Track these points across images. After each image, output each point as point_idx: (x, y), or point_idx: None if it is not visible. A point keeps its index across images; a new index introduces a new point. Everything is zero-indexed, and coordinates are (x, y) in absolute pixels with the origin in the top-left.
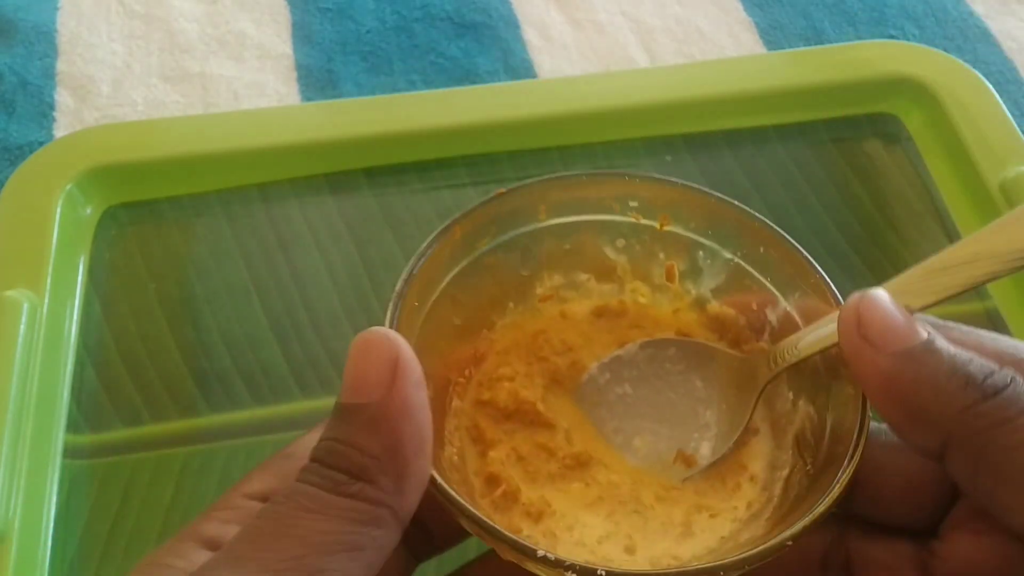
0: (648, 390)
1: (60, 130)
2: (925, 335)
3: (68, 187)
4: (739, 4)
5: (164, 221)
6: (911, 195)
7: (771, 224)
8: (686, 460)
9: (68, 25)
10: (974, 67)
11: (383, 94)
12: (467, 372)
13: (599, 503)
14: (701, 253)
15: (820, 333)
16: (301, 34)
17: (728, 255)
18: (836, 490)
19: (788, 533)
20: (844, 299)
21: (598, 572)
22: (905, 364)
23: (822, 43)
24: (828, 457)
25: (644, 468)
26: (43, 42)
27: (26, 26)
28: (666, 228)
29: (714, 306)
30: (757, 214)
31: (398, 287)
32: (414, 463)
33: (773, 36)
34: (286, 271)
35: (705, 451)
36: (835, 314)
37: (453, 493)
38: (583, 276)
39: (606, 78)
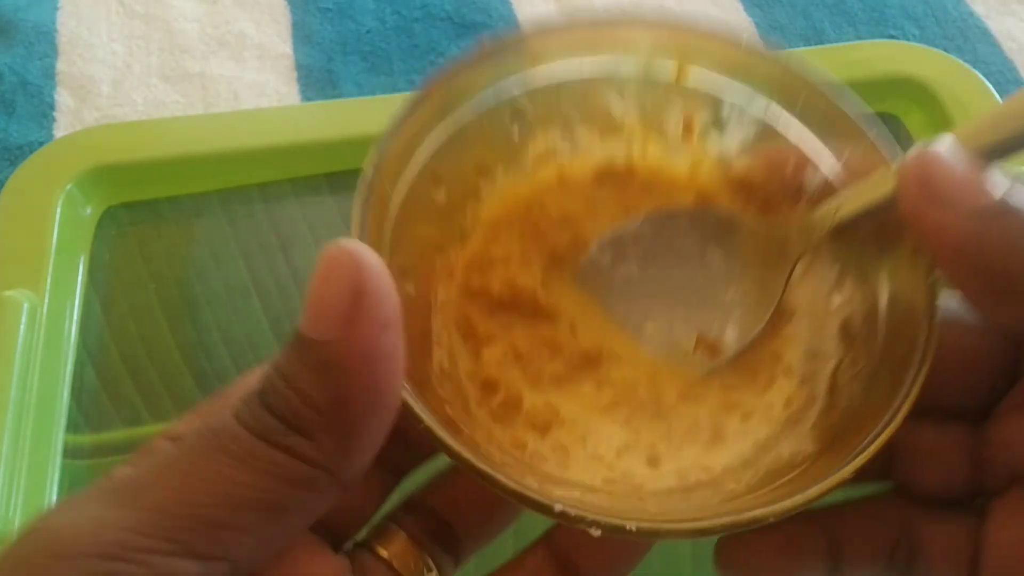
0: (658, 269)
1: (60, 130)
2: (1007, 188)
3: (68, 187)
4: (739, 4)
5: (164, 221)
6: None
7: (814, 71)
8: (709, 347)
9: (68, 25)
10: (974, 67)
11: (383, 94)
12: (453, 254)
13: (615, 407)
14: (727, 104)
15: (869, 193)
16: (301, 34)
17: (759, 107)
18: (905, 406)
19: (848, 467)
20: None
21: (627, 527)
22: (986, 224)
23: (822, 43)
24: (886, 351)
25: (662, 360)
26: (43, 42)
27: (26, 26)
28: (684, 78)
29: (740, 164)
30: (797, 60)
31: (367, 171)
32: (366, 422)
33: (773, 36)
34: (286, 271)
35: (731, 336)
36: (886, 170)
37: (429, 422)
38: (584, 132)
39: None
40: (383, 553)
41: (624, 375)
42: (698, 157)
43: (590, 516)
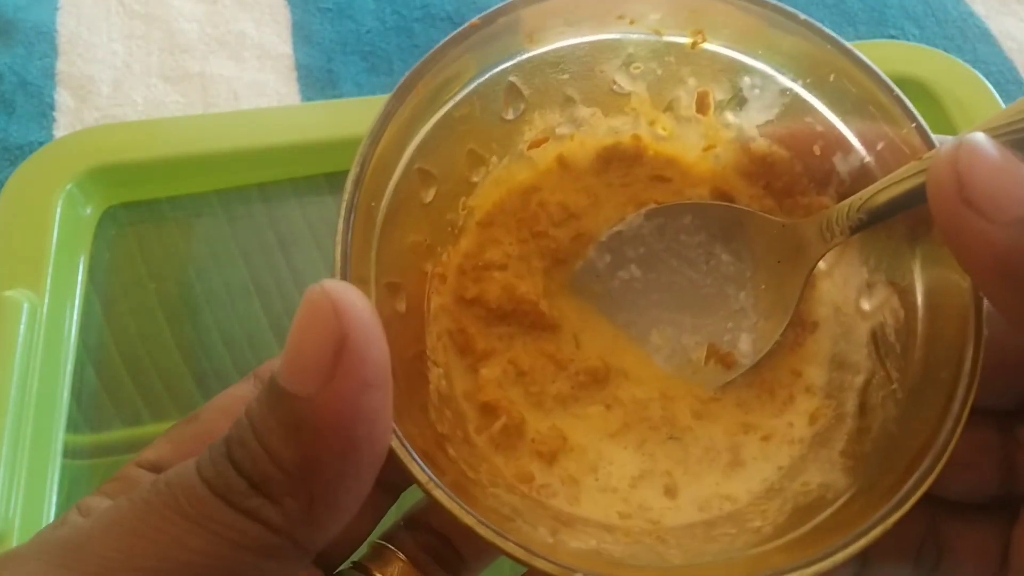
0: (662, 272)
1: (60, 130)
2: None
3: (68, 187)
4: None
5: (164, 221)
6: None
7: (849, 46)
8: (722, 359)
9: (68, 25)
10: (974, 67)
11: (383, 94)
12: (445, 256)
13: (625, 430)
14: (747, 79)
15: (903, 184)
16: (301, 34)
17: (785, 82)
18: (953, 441)
19: (891, 518)
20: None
21: None
22: (1000, 229)
23: None
24: (926, 371)
25: (672, 373)
26: (43, 42)
27: (26, 26)
28: (700, 46)
29: (761, 145)
30: (830, 32)
31: (350, 178)
32: (338, 488)
33: None
34: (286, 271)
35: (745, 345)
36: (920, 163)
37: (423, 473)
38: (586, 111)
39: None
40: None
41: (634, 394)
42: (713, 136)
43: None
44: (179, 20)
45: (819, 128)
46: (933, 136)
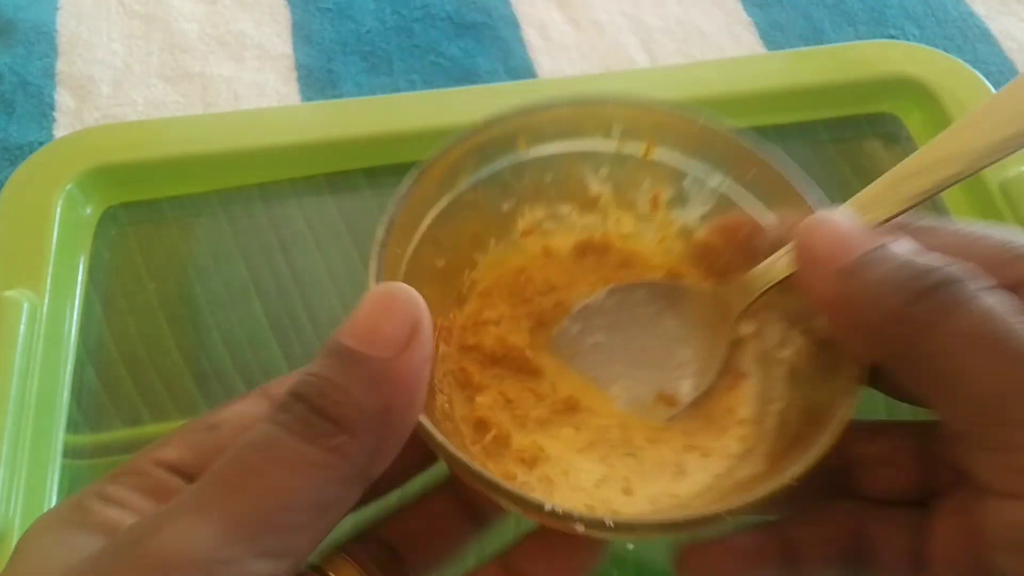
0: (621, 336)
1: (60, 130)
2: (876, 244)
3: (68, 187)
4: (739, 4)
5: (164, 221)
6: None
7: (762, 146)
8: (667, 400)
9: (68, 25)
10: (974, 67)
11: (383, 94)
12: (451, 315)
13: (591, 447)
14: (687, 180)
15: (788, 258)
16: (301, 34)
17: (716, 181)
18: (836, 427)
19: (789, 474)
20: None
21: (606, 523)
22: (844, 282)
23: (822, 43)
24: (824, 389)
25: (629, 412)
26: (43, 42)
27: (26, 26)
28: (651, 155)
29: (701, 234)
30: (747, 136)
31: (379, 235)
32: (398, 431)
33: (773, 36)
34: (286, 271)
35: (685, 390)
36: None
37: (442, 440)
38: (565, 208)
39: (606, 78)
40: None
41: (598, 422)
42: (665, 230)
43: (576, 513)
44: (179, 20)
45: (744, 216)
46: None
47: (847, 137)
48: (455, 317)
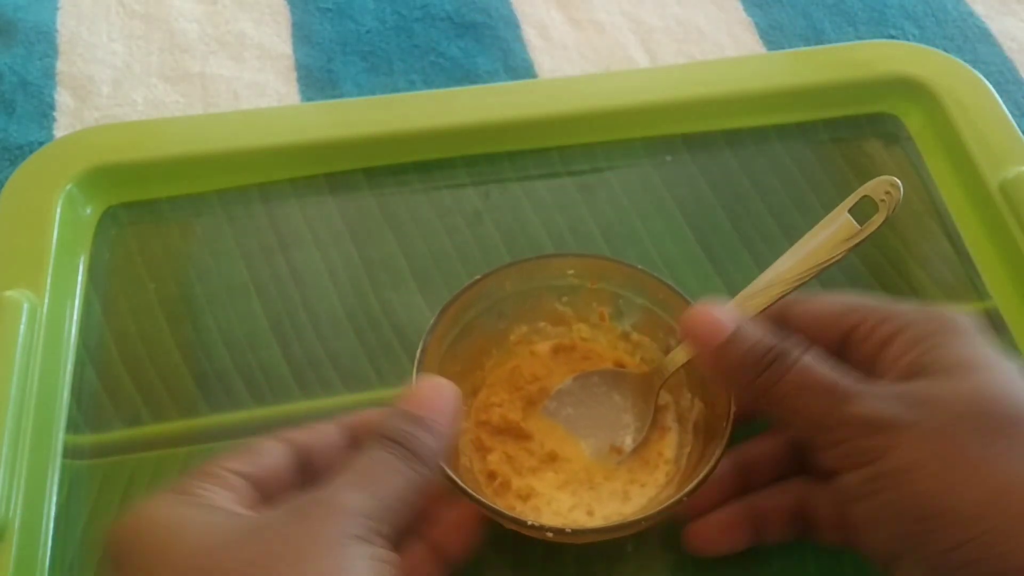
0: (585, 408)
1: (60, 130)
2: (732, 328)
3: (68, 187)
4: (739, 4)
5: (164, 221)
6: (911, 195)
7: (664, 279)
8: (617, 450)
9: (68, 25)
10: (974, 67)
11: (383, 94)
12: (469, 402)
13: (566, 485)
14: (621, 301)
15: (679, 356)
16: (301, 34)
17: (640, 301)
18: (711, 464)
19: (679, 495)
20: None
21: (565, 530)
22: (718, 356)
23: (822, 43)
24: (709, 437)
25: (592, 458)
26: (43, 42)
27: (26, 26)
28: (595, 286)
29: (635, 336)
30: (655, 274)
31: (417, 356)
32: (443, 453)
33: (773, 36)
34: (286, 271)
35: (628, 442)
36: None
37: (468, 490)
38: (542, 324)
39: (606, 78)
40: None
41: (571, 467)
42: (610, 334)
43: (547, 526)
44: (179, 20)
45: (660, 322)
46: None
47: (847, 137)
48: (471, 404)
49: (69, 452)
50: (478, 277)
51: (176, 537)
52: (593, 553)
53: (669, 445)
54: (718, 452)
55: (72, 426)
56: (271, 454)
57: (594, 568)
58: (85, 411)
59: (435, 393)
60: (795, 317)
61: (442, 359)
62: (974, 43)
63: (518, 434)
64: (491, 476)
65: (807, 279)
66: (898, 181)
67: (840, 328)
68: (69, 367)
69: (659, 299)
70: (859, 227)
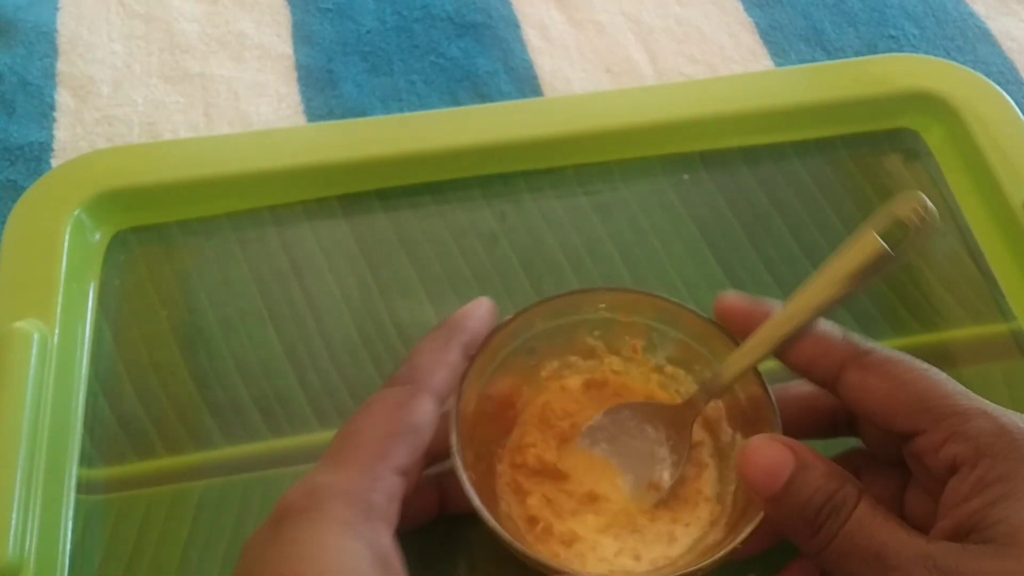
0: (618, 444)
1: (60, 130)
2: (788, 473)
3: (76, 212)
4: (739, 4)
5: (174, 245)
6: None
7: (699, 313)
8: (654, 486)
9: (68, 25)
10: (974, 68)
11: (383, 94)
12: (502, 442)
13: (608, 528)
14: (654, 334)
15: (716, 382)
16: (301, 34)
17: (674, 334)
18: (759, 516)
19: (734, 542)
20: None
21: None
22: (776, 506)
23: (822, 43)
24: None
25: (630, 496)
26: (43, 42)
27: (26, 26)
28: (627, 320)
29: (669, 369)
30: (690, 307)
31: (452, 402)
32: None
33: (773, 36)
34: (300, 296)
35: (666, 477)
36: (717, 374)
37: (514, 542)
38: (572, 358)
39: (621, 95)
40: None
41: (611, 508)
42: (643, 367)
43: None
44: (179, 20)
45: (695, 353)
46: (724, 308)
47: (866, 153)
48: (505, 445)
49: (83, 487)
50: (508, 319)
51: None
52: None
53: (708, 482)
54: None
55: (86, 460)
56: (427, 430)
57: None
58: (98, 444)
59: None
60: (850, 397)
61: (477, 402)
62: (974, 43)
63: (555, 475)
64: (532, 521)
65: (836, 303)
66: (926, 200)
67: (900, 427)
68: (81, 399)
69: (695, 332)
70: (891, 252)
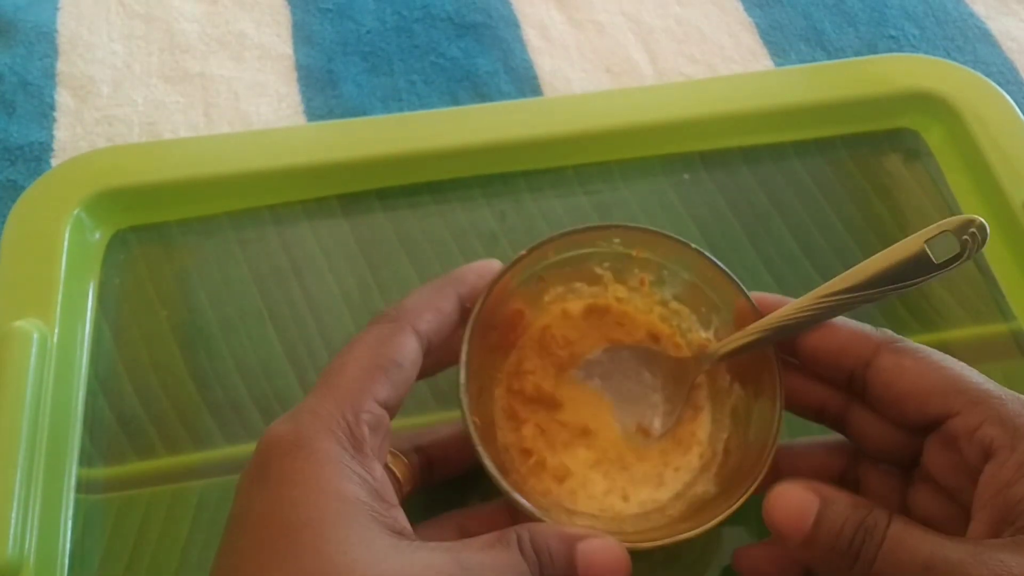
0: (613, 382)
1: (60, 130)
2: (814, 513)
3: (76, 211)
4: (739, 4)
5: (174, 244)
6: (932, 211)
7: (717, 262)
8: (643, 431)
9: (68, 25)
10: (974, 68)
11: (383, 95)
12: (500, 367)
13: (599, 463)
14: (665, 272)
15: (739, 340)
16: (301, 34)
17: (686, 275)
18: (754, 485)
19: (732, 507)
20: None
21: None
22: (806, 549)
23: (822, 43)
24: (754, 439)
25: (620, 435)
26: (43, 42)
27: (26, 26)
28: (640, 255)
29: (673, 304)
30: (708, 255)
31: (466, 334)
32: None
33: (773, 36)
34: (300, 295)
35: (657, 424)
36: (743, 332)
37: (508, 488)
38: (578, 284)
39: (622, 95)
40: (394, 468)
41: (602, 444)
42: (648, 299)
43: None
44: (179, 20)
45: (703, 296)
46: (755, 302)
47: (866, 153)
48: (504, 369)
49: (83, 486)
50: (521, 253)
51: (317, 534)
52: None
53: (702, 425)
54: (767, 454)
55: (85, 459)
56: (409, 367)
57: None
58: (98, 444)
59: (611, 571)
60: (881, 380)
61: (484, 330)
62: (974, 43)
63: (551, 404)
64: (526, 454)
65: (872, 297)
66: (984, 222)
67: (933, 409)
68: (81, 398)
69: (707, 277)
70: (935, 261)
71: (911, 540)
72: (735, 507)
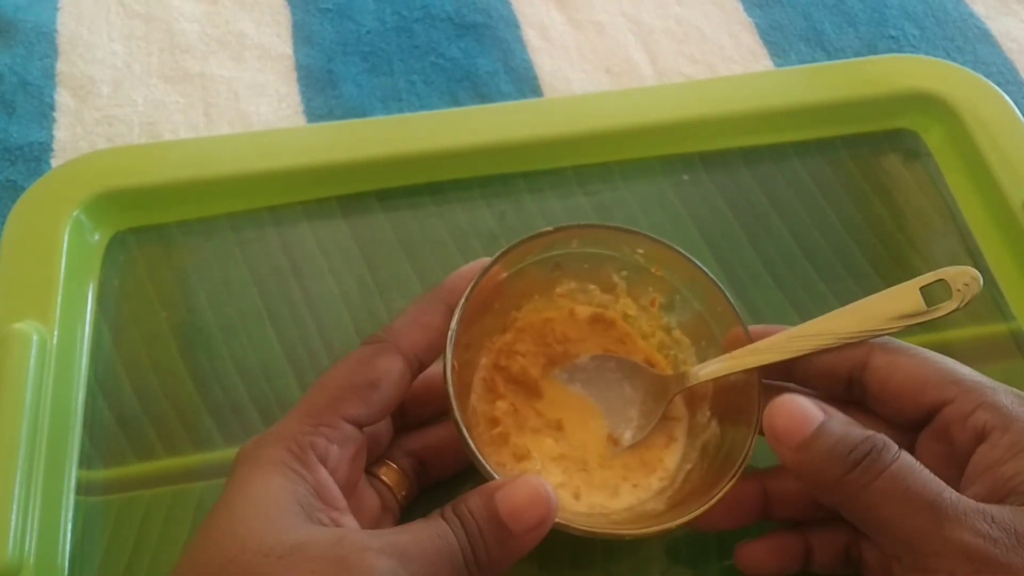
0: (594, 389)
1: (60, 130)
2: (817, 422)
3: (75, 213)
4: (739, 4)
5: (174, 246)
6: (931, 212)
7: (727, 294)
8: (613, 441)
9: (68, 25)
10: (974, 68)
11: (383, 95)
12: (495, 340)
13: (561, 459)
14: (677, 297)
15: (709, 369)
16: (301, 34)
17: (696, 305)
18: (714, 499)
19: (676, 522)
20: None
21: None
22: (803, 453)
23: (822, 43)
24: (718, 471)
25: (592, 441)
26: (43, 42)
27: (26, 26)
28: (658, 273)
29: (676, 333)
30: (720, 286)
31: (467, 291)
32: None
33: (773, 36)
34: (299, 296)
35: (627, 436)
36: (729, 356)
37: (472, 444)
38: (591, 286)
39: (621, 96)
40: (384, 478)
41: (570, 441)
42: (653, 322)
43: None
44: (179, 20)
45: (706, 330)
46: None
47: (866, 154)
48: (497, 341)
49: (83, 488)
50: (549, 229)
51: (259, 533)
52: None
53: (672, 455)
54: (718, 492)
55: (85, 460)
56: (389, 387)
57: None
58: (98, 445)
59: (533, 506)
60: (877, 378)
61: (489, 295)
62: (974, 43)
63: (532, 391)
64: (492, 422)
65: (855, 340)
66: (978, 275)
67: (928, 399)
68: (80, 400)
69: (716, 311)
70: (926, 308)
71: (923, 475)
72: (679, 521)
